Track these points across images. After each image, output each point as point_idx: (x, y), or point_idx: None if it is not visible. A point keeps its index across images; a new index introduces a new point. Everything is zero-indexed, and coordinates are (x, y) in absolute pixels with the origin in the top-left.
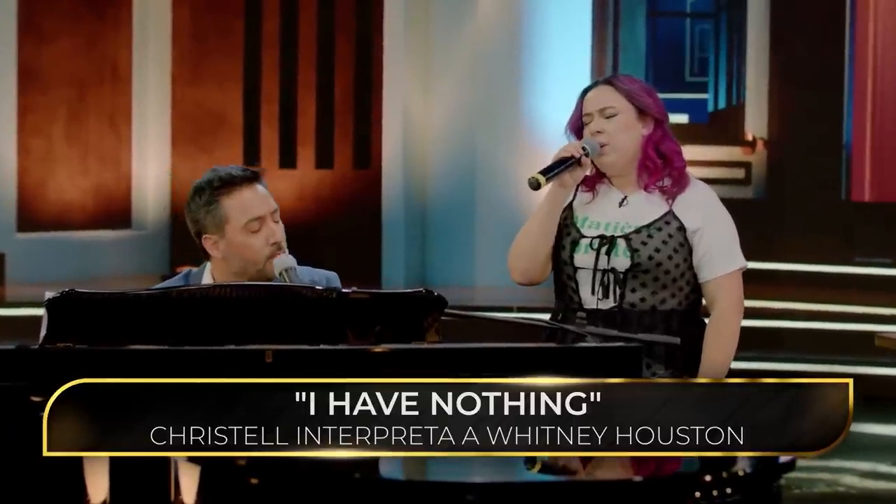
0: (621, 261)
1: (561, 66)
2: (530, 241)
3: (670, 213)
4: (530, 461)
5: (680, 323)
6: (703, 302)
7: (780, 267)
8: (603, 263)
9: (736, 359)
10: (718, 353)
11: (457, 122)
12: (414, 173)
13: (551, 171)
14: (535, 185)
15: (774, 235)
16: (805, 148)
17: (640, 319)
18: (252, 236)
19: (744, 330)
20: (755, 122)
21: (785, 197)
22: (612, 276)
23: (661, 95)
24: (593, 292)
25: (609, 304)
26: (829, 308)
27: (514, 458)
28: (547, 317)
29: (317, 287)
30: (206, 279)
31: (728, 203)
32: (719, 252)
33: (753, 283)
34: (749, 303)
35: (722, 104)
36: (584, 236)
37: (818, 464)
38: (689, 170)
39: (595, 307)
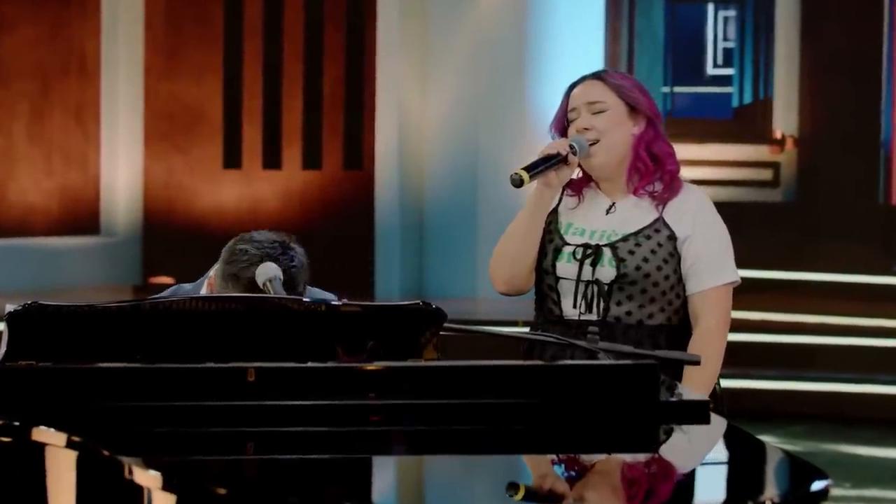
0: (606, 271)
1: (571, 57)
2: (513, 246)
3: (660, 220)
4: (513, 487)
5: (668, 339)
6: None
7: (811, 277)
8: (587, 274)
9: (761, 378)
10: (701, 375)
11: (457, 118)
12: (410, 174)
13: (535, 169)
14: (518, 183)
15: (805, 243)
16: (840, 146)
17: (625, 334)
18: None
19: (772, 346)
20: (785, 119)
21: (817, 200)
22: (595, 288)
23: (681, 89)
24: (575, 305)
25: (592, 317)
26: (865, 322)
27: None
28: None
29: (304, 299)
30: (203, 288)
31: (755, 207)
32: (708, 263)
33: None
34: (778, 316)
35: (748, 99)
36: (567, 244)
37: (853, 493)
38: (705, 171)
39: (577, 320)
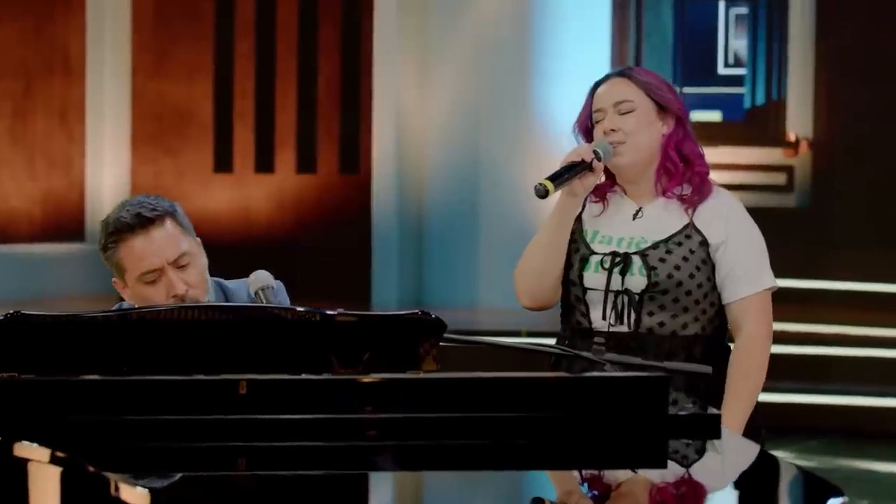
0: (637, 280)
1: (576, 56)
2: (538, 258)
3: (691, 225)
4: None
5: (704, 350)
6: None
7: (827, 286)
8: (616, 284)
9: (775, 391)
10: (745, 387)
11: (458, 120)
12: (409, 178)
13: (560, 178)
14: (543, 193)
15: (821, 250)
16: (856, 150)
17: (658, 346)
18: (149, 287)
19: (786, 358)
20: (799, 120)
21: (833, 206)
22: (626, 299)
23: (691, 89)
24: (605, 316)
25: (623, 329)
26: (883, 333)
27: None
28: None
29: (298, 308)
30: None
31: (768, 213)
32: (746, 269)
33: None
34: (792, 327)
35: (760, 100)
36: (594, 253)
37: None
38: (715, 175)
39: (606, 332)
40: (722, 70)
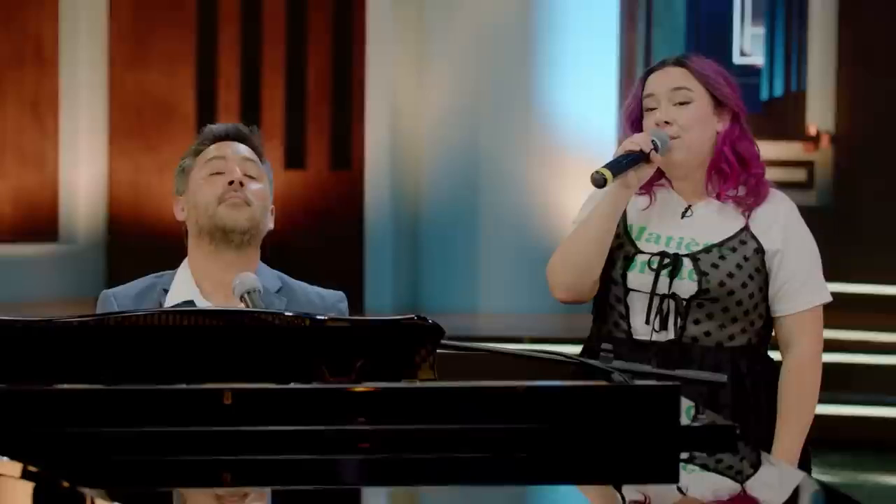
0: (686, 285)
1: (582, 45)
2: (582, 252)
3: (746, 230)
4: None
5: (750, 364)
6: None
7: (850, 290)
8: (663, 287)
9: None
10: (802, 410)
11: (456, 114)
12: (404, 175)
13: (618, 166)
14: (602, 183)
15: (843, 251)
16: (881, 144)
17: (703, 357)
18: (210, 178)
19: None
20: (819, 113)
21: (856, 204)
22: (672, 304)
23: None
24: (648, 321)
25: (666, 336)
26: None
27: None
28: (564, 348)
29: (286, 313)
30: (182, 273)
31: None
32: (803, 282)
33: None
34: None
35: (779, 91)
36: (640, 252)
37: None
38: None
39: (649, 339)
40: (737, 59)
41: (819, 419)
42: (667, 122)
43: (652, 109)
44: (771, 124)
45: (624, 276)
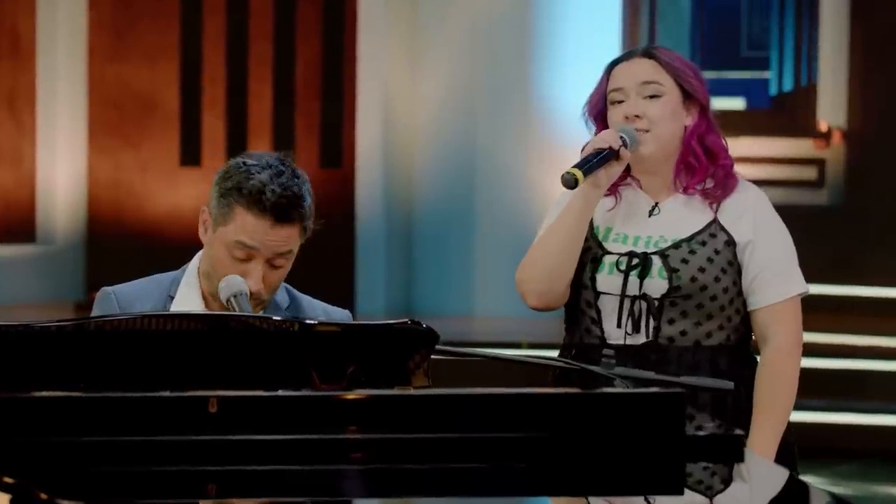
0: (657, 284)
1: (583, 38)
2: (553, 257)
3: (715, 222)
4: None
5: (730, 362)
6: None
7: (862, 292)
8: (633, 288)
9: (803, 409)
10: (778, 403)
11: (451, 110)
12: (397, 173)
13: (588, 165)
14: (573, 184)
15: (855, 252)
16: (894, 141)
17: (680, 357)
18: (231, 259)
19: (816, 372)
20: (831, 109)
21: (868, 203)
22: (644, 304)
23: (711, 74)
24: (620, 324)
25: (641, 339)
26: None
27: None
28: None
29: (274, 317)
30: (190, 284)
31: (796, 211)
32: (775, 273)
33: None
34: (823, 338)
35: (788, 86)
36: (608, 253)
37: None
38: (737, 169)
39: (622, 343)
40: (745, 52)
41: (830, 428)
42: (637, 116)
43: (619, 102)
44: (780, 120)
45: (593, 280)
